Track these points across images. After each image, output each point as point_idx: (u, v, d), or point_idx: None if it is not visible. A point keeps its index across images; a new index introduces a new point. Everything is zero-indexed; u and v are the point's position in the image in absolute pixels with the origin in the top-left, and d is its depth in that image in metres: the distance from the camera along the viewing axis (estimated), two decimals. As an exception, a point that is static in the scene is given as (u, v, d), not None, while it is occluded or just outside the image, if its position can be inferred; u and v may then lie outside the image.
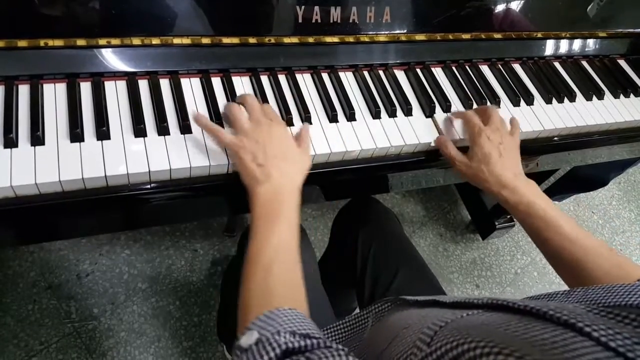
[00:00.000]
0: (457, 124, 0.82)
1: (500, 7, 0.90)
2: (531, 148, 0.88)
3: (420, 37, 0.87)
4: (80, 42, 0.67)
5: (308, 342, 0.40)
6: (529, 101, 0.90)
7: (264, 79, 0.78)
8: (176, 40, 0.72)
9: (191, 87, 0.73)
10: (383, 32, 0.83)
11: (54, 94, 0.66)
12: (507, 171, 0.71)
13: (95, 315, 1.32)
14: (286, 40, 0.78)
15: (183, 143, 0.67)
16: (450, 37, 0.90)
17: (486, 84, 0.90)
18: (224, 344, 1.29)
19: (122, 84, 0.70)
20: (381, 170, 0.79)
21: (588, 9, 0.96)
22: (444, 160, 0.79)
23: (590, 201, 2.07)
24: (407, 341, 0.37)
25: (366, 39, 0.83)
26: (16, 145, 0.60)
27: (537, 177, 1.48)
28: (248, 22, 0.75)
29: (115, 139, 0.64)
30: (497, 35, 0.94)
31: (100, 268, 1.40)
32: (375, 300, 0.60)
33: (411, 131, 0.79)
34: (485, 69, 0.94)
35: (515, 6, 0.92)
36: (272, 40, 0.77)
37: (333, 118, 0.76)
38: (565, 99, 0.93)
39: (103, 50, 0.69)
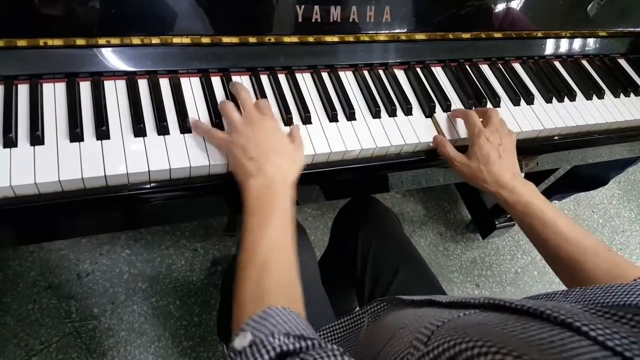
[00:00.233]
0: (457, 123, 0.82)
1: (500, 7, 0.90)
2: (531, 147, 0.88)
3: (420, 36, 0.87)
4: (80, 41, 0.67)
5: (303, 343, 0.39)
6: (529, 100, 0.90)
7: (264, 79, 0.78)
8: (176, 40, 0.72)
9: (191, 87, 0.73)
10: (383, 32, 0.83)
11: (54, 94, 0.66)
12: (505, 172, 0.71)
13: (95, 314, 1.32)
14: (286, 39, 0.78)
15: (183, 143, 0.66)
16: (451, 36, 0.90)
17: (486, 84, 0.90)
18: (224, 344, 1.29)
19: (121, 84, 0.70)
20: (381, 169, 0.79)
21: (588, 8, 0.96)
22: (444, 160, 0.79)
23: (591, 200, 2.06)
24: (404, 341, 0.37)
25: (366, 39, 0.83)
26: (15, 145, 0.60)
27: (537, 176, 1.48)
28: (248, 22, 0.75)
29: (115, 139, 0.64)
30: (497, 35, 0.94)
31: (101, 268, 1.40)
32: (372, 300, 0.60)
33: (411, 130, 0.79)
34: (485, 68, 0.94)
35: (516, 5, 0.92)
36: (272, 40, 0.77)
37: (333, 117, 0.76)
38: (566, 98, 0.93)
39: (103, 50, 0.69)
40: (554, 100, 0.92)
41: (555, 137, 0.90)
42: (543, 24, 0.97)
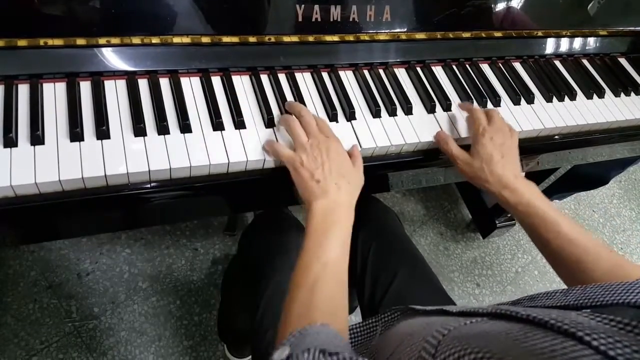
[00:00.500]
0: (457, 123, 0.82)
1: (500, 6, 0.90)
2: (532, 147, 0.88)
3: (420, 35, 0.87)
4: (80, 41, 0.67)
5: (335, 358, 0.40)
6: (530, 100, 0.90)
7: (264, 78, 0.77)
8: (176, 40, 0.72)
9: (191, 86, 0.73)
10: (383, 31, 0.83)
11: (54, 94, 0.66)
12: (508, 172, 0.71)
13: (95, 314, 1.32)
14: (286, 39, 0.78)
15: (183, 142, 0.66)
16: (451, 35, 0.90)
17: (487, 83, 0.90)
18: (225, 343, 1.30)
19: (121, 83, 0.70)
20: (381, 169, 0.79)
21: (589, 8, 0.96)
22: (445, 159, 0.79)
23: (591, 200, 2.06)
24: (412, 349, 0.38)
25: (366, 38, 0.83)
26: (16, 145, 0.60)
27: (538, 175, 1.48)
28: (248, 21, 0.75)
29: (115, 138, 0.64)
30: (498, 34, 0.94)
31: (101, 267, 1.41)
32: (383, 307, 0.61)
33: (411, 130, 0.79)
34: (485, 67, 0.94)
35: (516, 4, 0.92)
36: (272, 39, 0.77)
37: (333, 117, 0.76)
38: (566, 98, 0.93)
39: (103, 50, 0.69)
40: (555, 99, 0.92)
41: (556, 137, 0.90)
42: (543, 23, 0.96)
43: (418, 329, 0.42)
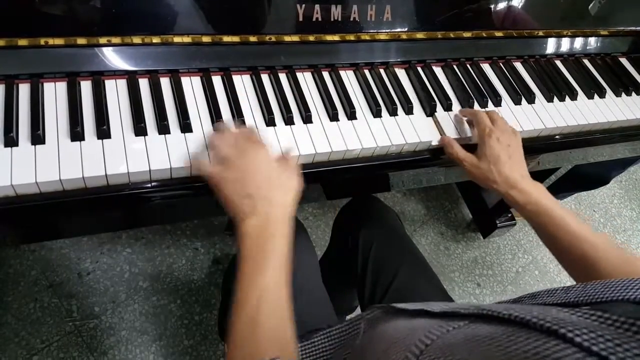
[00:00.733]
0: (458, 122, 0.82)
1: (501, 5, 0.90)
2: (532, 146, 0.88)
3: (421, 35, 0.87)
4: (81, 40, 0.67)
5: None
6: (531, 99, 0.90)
7: (265, 78, 0.77)
8: (177, 39, 0.72)
9: (192, 86, 0.73)
10: (384, 31, 0.83)
11: (55, 93, 0.66)
12: (515, 172, 0.72)
13: (96, 313, 1.32)
14: (287, 38, 0.78)
15: (184, 141, 0.66)
16: (452, 35, 0.89)
17: (487, 83, 0.90)
18: (225, 343, 1.30)
19: (122, 83, 0.70)
20: (382, 169, 0.79)
21: (589, 7, 0.96)
22: (445, 159, 0.79)
23: (592, 200, 2.06)
24: (397, 357, 0.37)
25: (367, 38, 0.83)
26: (17, 144, 0.60)
27: (538, 175, 1.48)
28: (248, 21, 0.75)
29: (116, 138, 0.64)
30: (499, 34, 0.94)
31: (102, 267, 1.41)
32: (368, 307, 0.60)
33: (412, 130, 0.79)
34: (486, 67, 0.94)
35: (517, 4, 0.92)
36: (273, 39, 0.77)
37: (334, 117, 0.76)
38: (567, 98, 0.93)
39: (104, 49, 0.69)
40: (555, 99, 0.92)
41: (557, 136, 0.90)
42: (544, 22, 0.96)
43: (402, 336, 0.41)
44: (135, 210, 0.72)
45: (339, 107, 0.77)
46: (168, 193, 0.67)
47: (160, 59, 0.72)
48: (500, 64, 0.94)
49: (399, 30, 0.84)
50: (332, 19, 0.78)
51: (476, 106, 0.86)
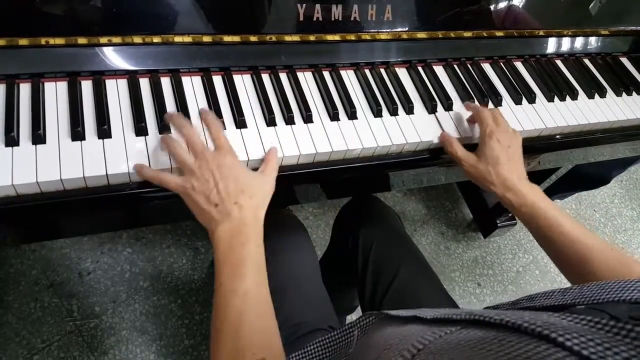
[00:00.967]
0: (459, 122, 0.82)
1: (501, 5, 0.90)
2: (533, 146, 0.88)
3: (421, 35, 0.87)
4: (82, 40, 0.67)
5: None
6: (531, 99, 0.90)
7: (265, 78, 0.77)
8: (177, 39, 0.72)
9: (192, 86, 0.73)
10: (384, 30, 0.83)
11: (55, 93, 0.66)
12: (512, 175, 0.72)
13: (97, 313, 1.32)
14: (287, 38, 0.78)
15: (184, 141, 0.66)
16: (452, 35, 0.89)
17: (488, 82, 0.90)
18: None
19: (123, 83, 0.70)
20: (382, 168, 0.79)
21: (590, 7, 0.96)
22: (446, 159, 0.79)
23: (592, 199, 2.06)
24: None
25: (368, 37, 0.83)
26: (17, 144, 0.60)
27: (539, 175, 1.48)
28: (249, 21, 0.75)
29: (117, 138, 0.64)
30: (499, 33, 0.94)
31: (102, 266, 1.41)
32: (384, 306, 0.60)
33: (413, 129, 0.79)
34: (487, 67, 0.94)
35: (517, 4, 0.92)
36: (273, 39, 0.77)
37: (334, 116, 0.76)
38: (567, 97, 0.93)
39: (104, 49, 0.69)
40: (556, 99, 0.92)
41: (557, 136, 0.90)
42: (545, 22, 0.96)
43: (394, 343, 0.41)
44: (136, 210, 0.72)
45: (339, 106, 0.77)
46: (169, 193, 0.67)
47: (160, 59, 0.72)
48: (501, 64, 0.94)
49: (399, 29, 0.84)
50: (332, 19, 0.78)
51: (482, 107, 0.86)
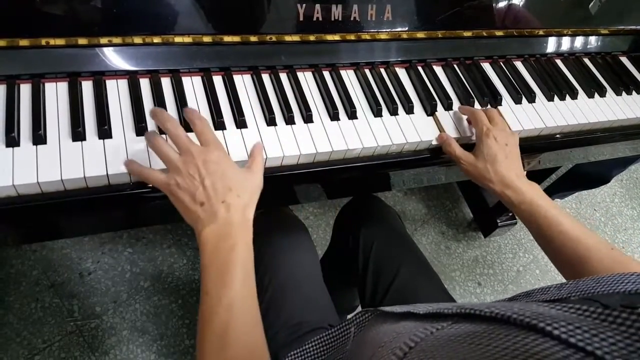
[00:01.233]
0: (459, 121, 0.82)
1: (501, 5, 0.90)
2: (533, 145, 0.88)
3: (421, 35, 0.87)
4: (82, 41, 0.67)
5: None
6: (531, 99, 0.90)
7: (266, 78, 0.78)
8: (177, 39, 0.72)
9: (192, 86, 0.73)
10: (384, 30, 0.83)
11: (56, 93, 0.66)
12: (511, 172, 0.72)
13: (97, 313, 1.32)
14: (287, 38, 0.78)
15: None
16: (452, 34, 0.89)
17: (488, 82, 0.90)
18: None
19: (123, 83, 0.70)
20: (383, 168, 0.79)
21: (590, 6, 0.96)
22: (446, 158, 0.79)
23: (593, 199, 2.06)
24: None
25: (367, 37, 0.83)
26: (18, 144, 0.60)
27: (539, 174, 1.48)
28: (249, 21, 0.75)
29: (117, 138, 0.64)
30: (499, 33, 0.94)
31: (103, 266, 1.41)
32: (384, 306, 0.59)
33: (413, 129, 0.79)
34: (487, 66, 0.94)
35: (517, 3, 0.92)
36: (274, 39, 0.77)
37: (334, 116, 0.76)
38: (567, 97, 0.93)
39: (104, 49, 0.69)
40: (556, 98, 0.92)
41: (557, 135, 0.90)
42: (545, 21, 0.96)
43: (388, 340, 0.41)
44: (137, 210, 0.72)
45: (339, 106, 0.78)
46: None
47: (161, 59, 0.72)
48: (501, 63, 0.94)
49: (399, 29, 0.84)
50: (332, 19, 0.78)
51: (477, 105, 0.86)
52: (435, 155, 0.80)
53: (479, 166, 0.74)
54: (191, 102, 0.71)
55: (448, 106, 0.84)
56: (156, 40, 0.71)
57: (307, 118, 0.74)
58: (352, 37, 0.82)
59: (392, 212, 1.03)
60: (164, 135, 0.63)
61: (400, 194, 1.85)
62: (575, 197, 2.03)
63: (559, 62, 1.00)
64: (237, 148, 0.68)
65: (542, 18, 0.96)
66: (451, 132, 0.81)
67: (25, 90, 0.65)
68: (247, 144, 0.69)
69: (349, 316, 0.58)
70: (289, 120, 0.73)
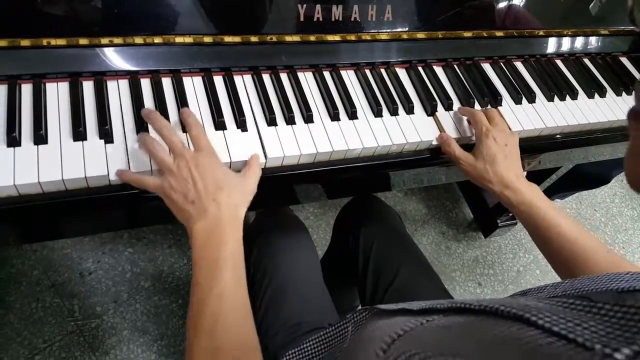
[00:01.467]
0: (459, 121, 0.83)
1: (502, 5, 0.90)
2: (533, 146, 0.88)
3: (421, 35, 0.87)
4: (83, 41, 0.67)
5: None
6: (531, 99, 0.90)
7: (266, 78, 0.78)
8: (178, 39, 0.72)
9: (193, 86, 0.73)
10: (385, 31, 0.83)
11: (57, 93, 0.66)
12: (510, 172, 0.72)
13: (98, 313, 1.32)
14: (288, 38, 0.78)
15: (186, 141, 0.67)
16: (452, 35, 0.90)
17: (488, 82, 0.90)
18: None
19: (124, 83, 0.70)
20: (383, 168, 0.79)
21: (590, 7, 0.96)
22: (446, 158, 0.79)
23: (593, 199, 2.06)
24: (370, 352, 0.38)
25: (368, 38, 0.83)
26: (19, 144, 0.60)
27: (539, 175, 1.48)
28: (250, 21, 0.75)
29: (118, 138, 0.65)
30: (499, 33, 0.94)
31: (103, 266, 1.41)
32: (356, 309, 0.60)
33: (413, 129, 0.79)
34: (487, 67, 0.94)
35: (517, 4, 0.92)
36: (274, 39, 0.77)
37: (335, 116, 0.76)
38: (568, 97, 0.93)
39: (105, 49, 0.69)
40: (556, 98, 0.92)
41: (557, 136, 0.90)
42: (545, 22, 0.96)
43: (379, 334, 0.42)
44: (137, 209, 0.73)
45: (340, 106, 0.78)
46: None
47: (161, 59, 0.72)
48: (501, 64, 0.95)
49: (399, 30, 0.84)
50: (333, 19, 0.78)
51: (477, 105, 0.86)
52: (435, 155, 0.80)
53: (479, 167, 0.74)
54: (192, 102, 0.71)
55: (448, 106, 0.84)
56: (157, 40, 0.71)
57: (308, 118, 0.74)
58: (352, 37, 0.82)
59: (392, 212, 1.03)
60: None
61: (400, 194, 1.85)
62: (576, 198, 2.03)
63: (559, 62, 1.00)
64: (238, 148, 0.68)
65: (542, 18, 0.96)
66: (451, 132, 0.81)
67: (26, 90, 0.65)
68: (247, 144, 0.69)
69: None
70: (290, 121, 0.73)
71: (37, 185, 0.59)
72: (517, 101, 0.89)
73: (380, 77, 0.84)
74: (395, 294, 0.84)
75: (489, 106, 0.87)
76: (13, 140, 0.60)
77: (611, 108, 0.94)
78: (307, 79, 0.80)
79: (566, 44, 1.02)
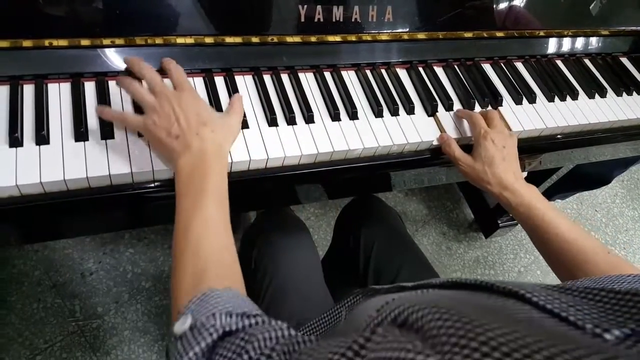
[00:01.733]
0: (460, 122, 0.83)
1: (502, 6, 0.90)
2: (534, 146, 0.88)
3: (422, 35, 0.87)
4: (85, 42, 0.67)
5: (246, 321, 0.38)
6: (532, 99, 0.90)
7: (267, 78, 0.78)
8: (179, 40, 0.72)
9: (194, 86, 0.73)
10: (385, 31, 0.83)
11: (59, 94, 0.67)
12: (508, 174, 0.72)
13: (99, 313, 1.33)
14: (289, 39, 0.78)
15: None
16: (453, 35, 0.90)
17: (488, 83, 0.90)
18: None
19: (125, 84, 0.70)
20: (384, 168, 0.80)
21: (591, 7, 0.96)
22: (447, 159, 0.79)
23: (594, 199, 2.06)
24: (362, 319, 0.38)
25: (368, 38, 0.83)
26: (21, 145, 0.61)
27: (540, 175, 1.48)
28: (250, 22, 0.76)
29: (120, 138, 0.65)
30: (500, 34, 0.94)
31: (104, 267, 1.41)
32: (350, 293, 0.60)
33: (413, 130, 0.79)
34: (487, 67, 0.94)
35: (518, 4, 0.92)
36: (275, 40, 0.78)
37: (336, 117, 0.76)
38: (568, 97, 0.93)
39: (107, 50, 0.69)
40: (557, 99, 0.92)
41: (558, 136, 0.90)
42: (545, 22, 0.97)
43: (373, 304, 0.42)
44: (138, 210, 0.73)
45: (340, 107, 0.78)
46: (171, 193, 0.67)
47: (163, 60, 0.73)
48: (502, 64, 0.95)
49: (400, 30, 0.84)
50: (333, 20, 0.78)
51: (477, 106, 0.87)
52: (436, 155, 0.81)
53: (477, 168, 0.74)
54: (193, 103, 0.71)
55: (449, 107, 0.84)
56: (158, 41, 0.71)
57: (309, 118, 0.75)
58: (353, 38, 0.82)
59: (392, 212, 1.04)
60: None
61: (401, 195, 1.85)
62: (576, 198, 2.03)
63: (559, 62, 1.00)
64: (239, 148, 0.69)
65: (542, 19, 0.96)
66: (452, 132, 0.81)
67: (28, 90, 0.66)
68: (248, 144, 0.69)
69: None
70: (291, 121, 0.74)
71: (39, 186, 0.59)
72: (518, 101, 0.89)
73: (381, 78, 0.84)
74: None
75: (490, 106, 0.87)
76: (15, 141, 0.60)
77: (612, 108, 0.94)
78: (308, 79, 0.80)
79: (566, 44, 1.02)
